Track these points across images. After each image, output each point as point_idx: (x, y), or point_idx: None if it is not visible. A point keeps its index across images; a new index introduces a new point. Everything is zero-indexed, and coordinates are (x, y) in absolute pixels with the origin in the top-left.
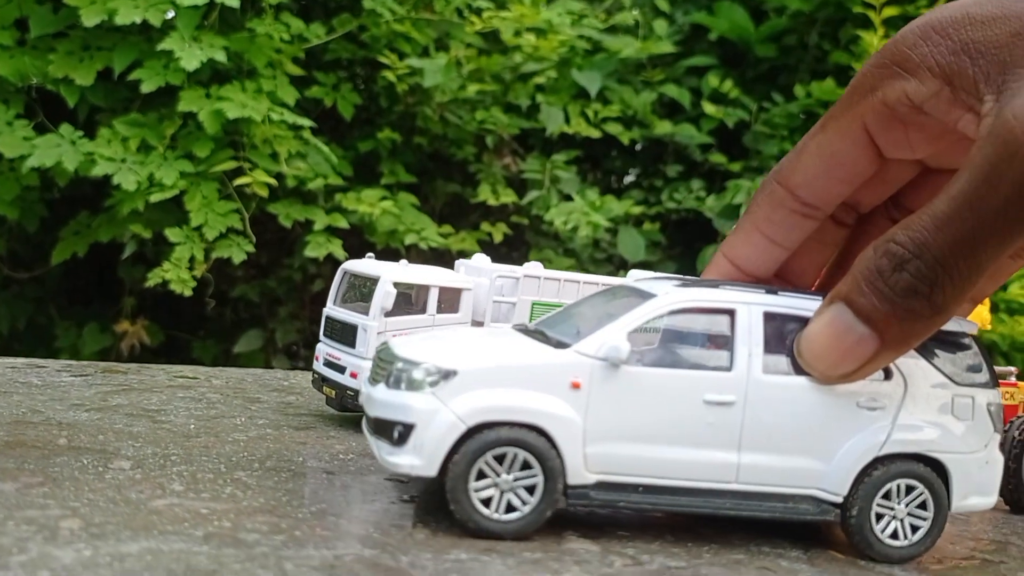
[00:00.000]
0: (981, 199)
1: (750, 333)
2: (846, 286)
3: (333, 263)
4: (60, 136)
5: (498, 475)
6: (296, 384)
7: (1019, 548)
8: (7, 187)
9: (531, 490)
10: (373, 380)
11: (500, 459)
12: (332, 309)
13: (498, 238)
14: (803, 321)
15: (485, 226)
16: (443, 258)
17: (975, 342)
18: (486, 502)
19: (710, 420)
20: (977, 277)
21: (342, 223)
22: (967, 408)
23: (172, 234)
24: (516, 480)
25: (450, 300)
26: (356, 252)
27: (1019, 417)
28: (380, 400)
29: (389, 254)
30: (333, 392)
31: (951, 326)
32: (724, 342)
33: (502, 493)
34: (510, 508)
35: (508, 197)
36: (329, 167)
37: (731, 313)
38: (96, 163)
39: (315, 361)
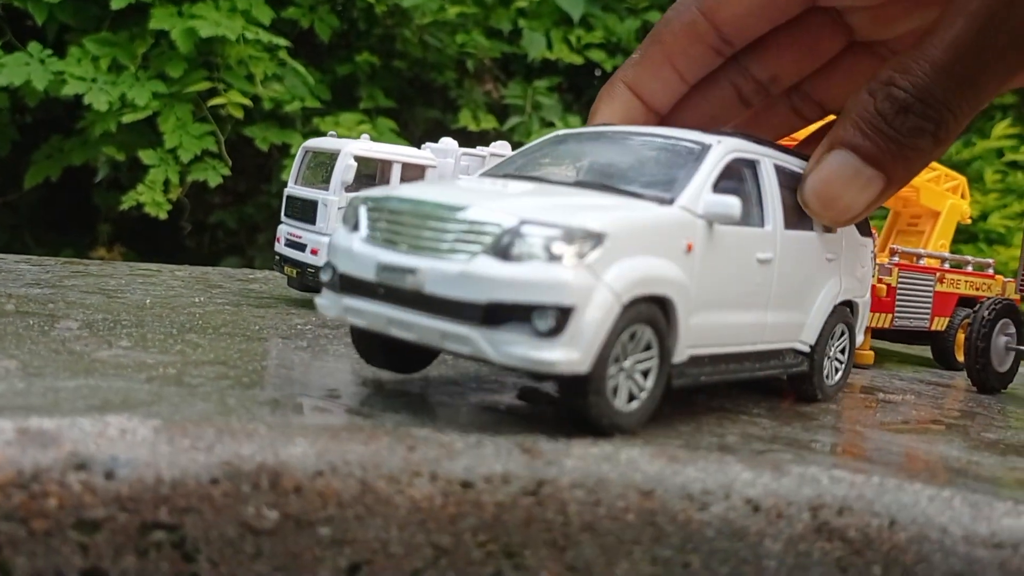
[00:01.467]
0: (981, 47)
1: (770, 186)
2: (846, 132)
3: None
4: (28, 55)
5: (624, 359)
6: (262, 277)
7: (984, 416)
8: None
9: (646, 373)
10: (417, 247)
11: (631, 339)
12: (293, 188)
13: None
14: (789, 174)
15: None
16: None
17: None
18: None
19: (758, 280)
20: (977, 110)
21: None
22: (867, 255)
23: (146, 156)
24: (636, 364)
25: (414, 177)
26: None
27: (989, 298)
28: (492, 277)
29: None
30: (294, 272)
31: None
32: (754, 196)
33: (626, 379)
34: (630, 397)
35: (489, 123)
36: (306, 90)
37: (754, 165)
38: (66, 82)
39: (276, 243)
